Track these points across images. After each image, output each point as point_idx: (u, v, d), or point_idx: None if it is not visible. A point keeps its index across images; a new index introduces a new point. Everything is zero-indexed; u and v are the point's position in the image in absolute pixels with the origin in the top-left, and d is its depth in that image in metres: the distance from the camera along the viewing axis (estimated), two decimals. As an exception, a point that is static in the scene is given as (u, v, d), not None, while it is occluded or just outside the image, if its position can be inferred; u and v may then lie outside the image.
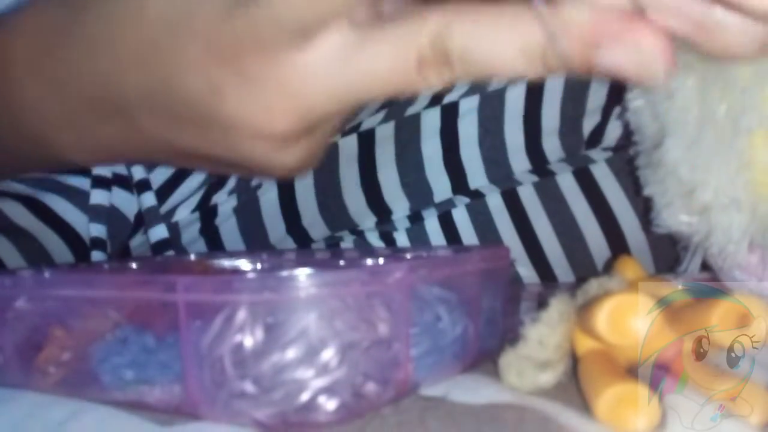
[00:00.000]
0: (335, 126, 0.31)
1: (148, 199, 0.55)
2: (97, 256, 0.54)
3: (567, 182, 0.50)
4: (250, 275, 0.26)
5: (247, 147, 0.29)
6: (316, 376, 0.24)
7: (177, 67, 0.28)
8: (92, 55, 0.30)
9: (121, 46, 0.29)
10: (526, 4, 0.26)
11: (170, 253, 0.55)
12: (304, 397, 0.24)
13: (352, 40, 0.27)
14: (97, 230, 0.54)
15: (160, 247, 0.55)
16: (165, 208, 0.56)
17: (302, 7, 0.26)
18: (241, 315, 0.24)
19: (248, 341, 0.24)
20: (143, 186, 0.56)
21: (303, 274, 0.24)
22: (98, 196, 0.55)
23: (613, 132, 0.50)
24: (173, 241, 0.56)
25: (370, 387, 0.25)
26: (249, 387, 0.24)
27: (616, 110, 0.50)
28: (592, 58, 0.25)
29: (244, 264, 0.42)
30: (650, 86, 0.24)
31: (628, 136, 0.47)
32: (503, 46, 0.26)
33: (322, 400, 0.24)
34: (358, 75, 0.27)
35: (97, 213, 0.55)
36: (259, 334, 0.24)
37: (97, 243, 0.54)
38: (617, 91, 0.49)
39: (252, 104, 0.28)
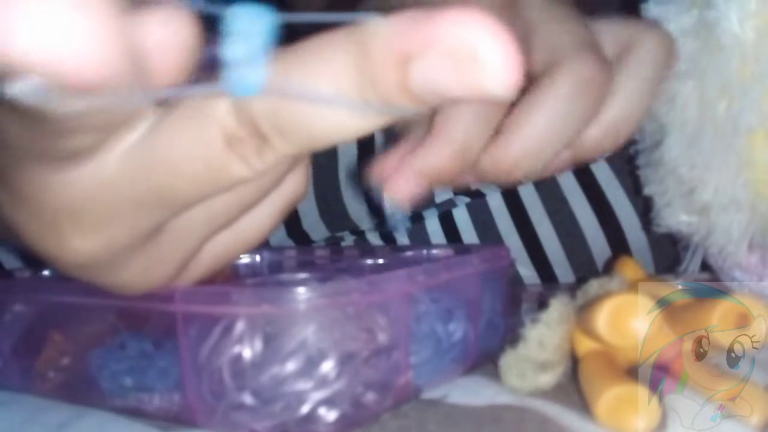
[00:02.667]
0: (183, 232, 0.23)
1: None
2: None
3: (568, 181, 0.50)
4: (249, 286, 0.26)
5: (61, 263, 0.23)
6: (315, 388, 0.24)
7: None
8: None
9: None
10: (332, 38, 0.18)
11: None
12: (304, 409, 0.24)
13: (134, 140, 0.20)
14: None
15: None
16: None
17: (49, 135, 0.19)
18: (240, 326, 0.24)
19: (247, 353, 0.24)
20: None
21: (301, 288, 0.24)
22: None
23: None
24: None
25: (370, 396, 0.25)
26: (248, 399, 0.24)
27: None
28: (407, 79, 0.17)
29: (243, 258, 0.42)
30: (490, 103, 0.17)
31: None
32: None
33: (322, 411, 0.24)
34: (152, 177, 0.20)
35: None
36: (258, 345, 0.24)
37: None
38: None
39: (34, 227, 0.22)
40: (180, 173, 0.20)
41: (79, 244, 0.21)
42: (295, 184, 0.25)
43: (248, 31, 0.17)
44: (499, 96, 0.17)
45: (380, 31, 0.18)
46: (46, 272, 0.35)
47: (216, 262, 0.26)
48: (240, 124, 0.19)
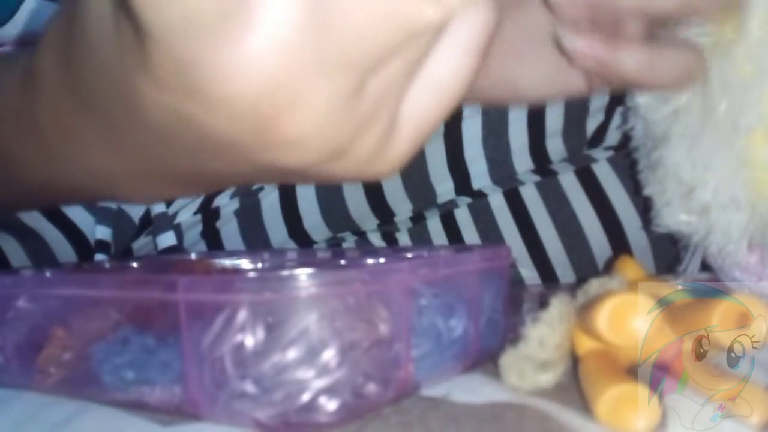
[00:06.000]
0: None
1: (159, 205, 0.55)
2: (100, 258, 0.54)
3: (569, 181, 0.50)
4: (251, 275, 0.26)
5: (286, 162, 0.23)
6: (316, 377, 0.24)
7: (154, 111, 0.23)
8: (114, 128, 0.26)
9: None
10: None
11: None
12: (305, 397, 0.24)
13: None
14: (103, 233, 0.54)
15: (167, 253, 0.55)
16: (170, 210, 0.56)
17: None
18: (242, 315, 0.24)
19: (249, 341, 0.24)
20: None
21: (304, 273, 0.24)
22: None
23: (615, 131, 0.51)
24: (178, 245, 0.56)
25: (371, 387, 0.25)
26: (250, 387, 0.24)
27: (619, 109, 0.50)
28: None
29: (245, 263, 0.42)
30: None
31: (628, 136, 0.47)
32: None
33: (322, 400, 0.24)
34: (335, 39, 0.20)
35: (104, 215, 0.55)
36: (260, 334, 0.24)
37: (102, 245, 0.54)
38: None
39: (239, 132, 0.21)
40: (366, 33, 0.19)
41: (288, 128, 0.21)
42: (479, 10, 0.22)
43: None
44: None
45: None
46: (47, 273, 0.35)
47: (420, 125, 0.23)
48: None
